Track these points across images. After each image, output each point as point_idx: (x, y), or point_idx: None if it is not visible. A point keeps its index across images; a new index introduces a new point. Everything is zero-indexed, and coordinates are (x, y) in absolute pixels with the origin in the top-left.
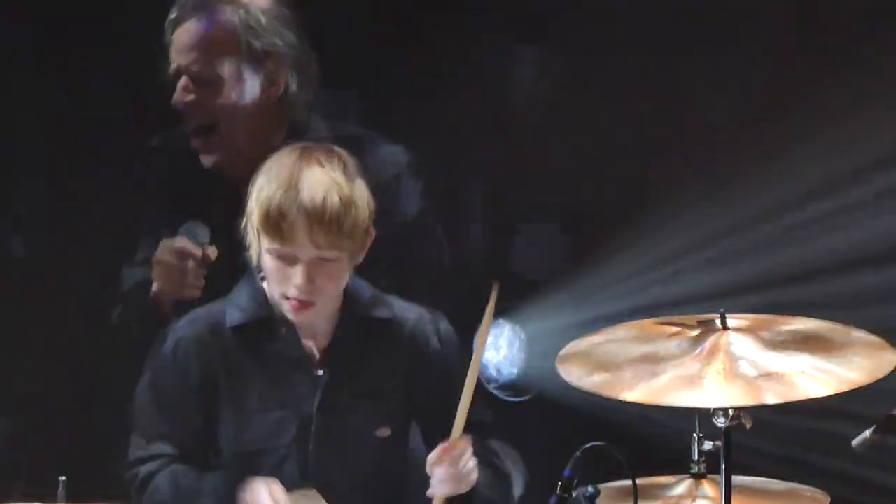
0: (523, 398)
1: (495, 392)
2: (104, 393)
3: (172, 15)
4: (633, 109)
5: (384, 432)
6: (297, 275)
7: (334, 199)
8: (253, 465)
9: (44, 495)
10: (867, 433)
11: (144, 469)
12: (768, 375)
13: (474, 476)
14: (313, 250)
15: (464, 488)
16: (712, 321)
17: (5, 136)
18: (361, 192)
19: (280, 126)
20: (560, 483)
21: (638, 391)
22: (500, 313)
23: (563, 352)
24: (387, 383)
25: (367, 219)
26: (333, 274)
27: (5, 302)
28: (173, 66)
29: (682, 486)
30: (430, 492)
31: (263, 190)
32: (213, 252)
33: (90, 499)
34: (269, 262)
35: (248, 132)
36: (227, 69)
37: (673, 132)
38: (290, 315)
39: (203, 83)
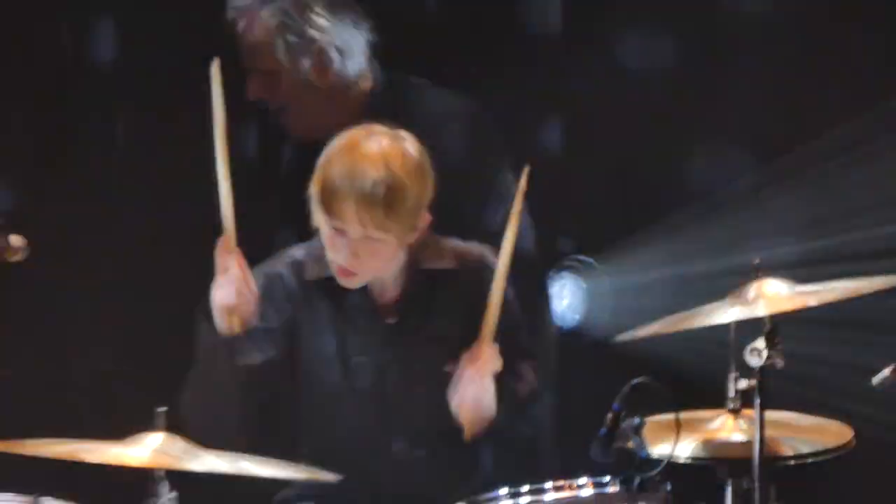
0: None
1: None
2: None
3: (231, 14)
4: None
5: (452, 368)
6: (344, 248)
7: (384, 186)
8: (333, 408)
9: (143, 427)
10: (886, 371)
11: None
12: (804, 291)
13: (493, 408)
14: (361, 230)
15: (483, 406)
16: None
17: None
18: (417, 179)
19: (346, 101)
20: (609, 415)
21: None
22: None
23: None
24: (451, 325)
25: (419, 205)
26: (379, 252)
27: (104, 232)
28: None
29: (720, 419)
30: (455, 401)
31: (324, 167)
32: None
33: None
34: (323, 230)
35: (314, 111)
36: (282, 58)
37: None
38: (345, 281)
39: (266, 74)
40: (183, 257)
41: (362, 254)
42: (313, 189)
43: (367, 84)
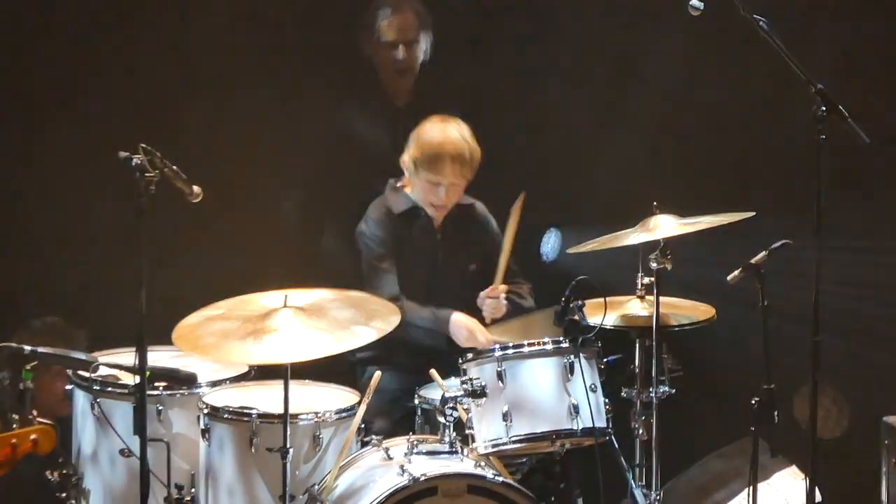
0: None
1: (546, 261)
2: None
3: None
4: None
5: (474, 267)
6: (441, 193)
7: (467, 149)
8: (411, 294)
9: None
10: (736, 272)
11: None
12: (685, 223)
13: (505, 309)
14: (452, 179)
15: (499, 314)
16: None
17: None
18: (476, 146)
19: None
20: (563, 299)
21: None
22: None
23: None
24: (474, 238)
25: (478, 163)
26: (459, 191)
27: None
28: (387, 38)
29: (632, 302)
30: (485, 315)
31: (424, 139)
32: None
33: None
34: (421, 183)
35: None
36: (420, 36)
37: None
38: (431, 212)
39: (409, 45)
40: None
41: (450, 193)
42: (413, 154)
43: None
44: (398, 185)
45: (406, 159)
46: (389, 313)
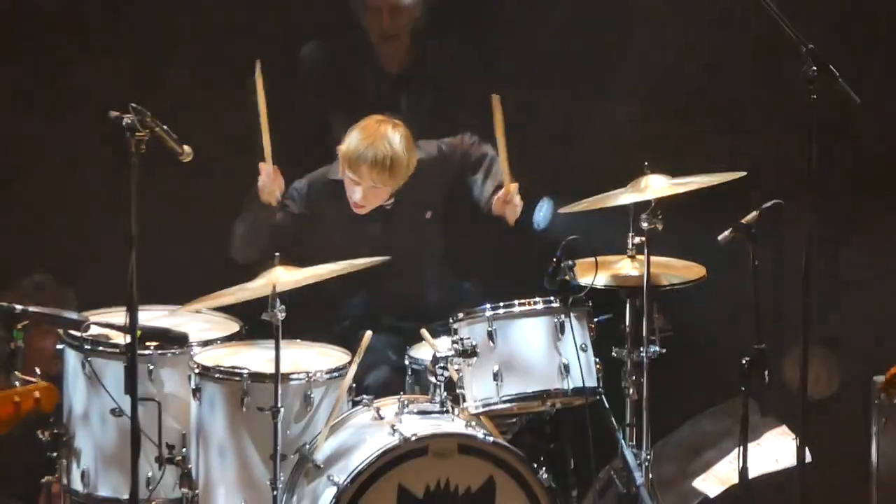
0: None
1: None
2: None
3: None
4: None
5: (429, 215)
6: (357, 194)
7: (388, 158)
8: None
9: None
10: (726, 233)
11: None
12: (676, 183)
13: (520, 208)
14: (370, 183)
15: (518, 213)
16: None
17: None
18: (408, 153)
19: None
20: (554, 258)
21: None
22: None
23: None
24: (426, 195)
25: (409, 168)
26: (380, 195)
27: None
28: (372, 3)
29: (623, 262)
30: (508, 218)
31: (352, 138)
32: None
33: None
34: (344, 178)
35: (404, 39)
36: (408, 2)
37: None
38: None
39: (393, 11)
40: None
41: (369, 195)
42: (341, 150)
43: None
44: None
45: (340, 149)
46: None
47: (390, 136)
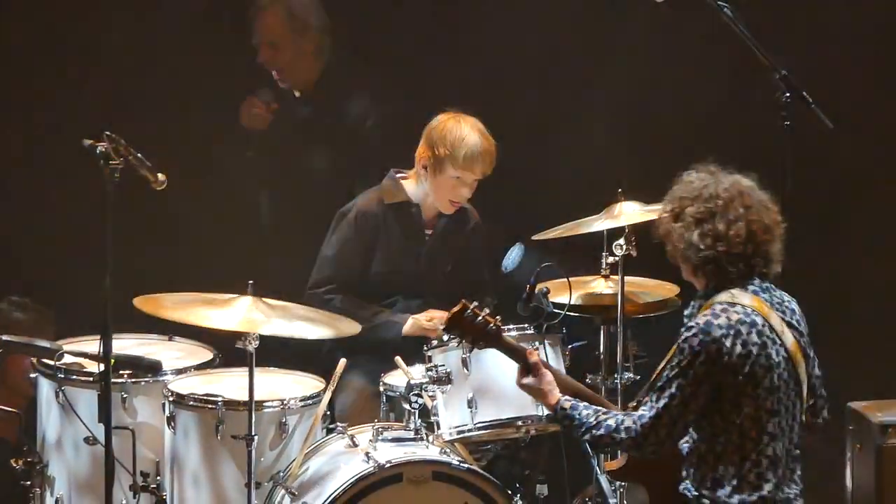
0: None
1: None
2: None
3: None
4: None
5: (449, 268)
6: (466, 191)
7: (494, 146)
8: (390, 285)
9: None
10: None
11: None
12: (649, 210)
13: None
14: (479, 176)
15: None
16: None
17: None
18: None
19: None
20: (528, 286)
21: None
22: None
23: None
24: (461, 242)
25: None
26: (473, 189)
27: None
28: (257, 39)
29: (597, 281)
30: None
31: (456, 135)
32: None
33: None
34: (445, 180)
35: (299, 69)
36: (291, 38)
37: None
38: (445, 210)
39: (274, 46)
40: None
41: (469, 193)
42: (442, 152)
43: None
44: (397, 175)
45: (427, 156)
46: (352, 326)
47: (477, 124)
